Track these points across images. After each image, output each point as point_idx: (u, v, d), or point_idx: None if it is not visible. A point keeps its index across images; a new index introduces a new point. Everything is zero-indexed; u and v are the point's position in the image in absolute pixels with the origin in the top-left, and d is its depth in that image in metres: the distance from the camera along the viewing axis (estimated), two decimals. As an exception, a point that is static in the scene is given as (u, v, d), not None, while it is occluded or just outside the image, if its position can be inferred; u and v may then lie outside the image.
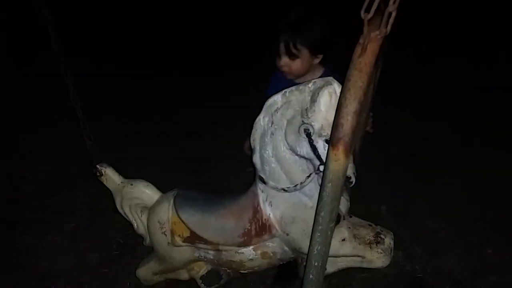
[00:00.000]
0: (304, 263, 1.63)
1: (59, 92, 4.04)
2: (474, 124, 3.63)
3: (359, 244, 1.50)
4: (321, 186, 1.14)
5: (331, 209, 1.12)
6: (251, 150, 1.52)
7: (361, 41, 1.12)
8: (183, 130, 3.72)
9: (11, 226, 2.65)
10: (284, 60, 1.76)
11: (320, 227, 1.14)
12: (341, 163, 1.08)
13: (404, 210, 2.64)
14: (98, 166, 1.79)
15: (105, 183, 1.81)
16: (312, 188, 1.43)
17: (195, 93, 4.26)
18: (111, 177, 1.79)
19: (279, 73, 1.89)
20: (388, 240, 1.53)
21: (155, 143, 3.56)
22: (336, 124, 1.07)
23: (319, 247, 1.16)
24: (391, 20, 1.05)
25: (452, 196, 2.83)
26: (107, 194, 2.80)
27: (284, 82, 1.78)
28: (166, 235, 1.66)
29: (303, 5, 1.77)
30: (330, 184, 1.10)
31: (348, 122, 1.06)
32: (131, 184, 1.77)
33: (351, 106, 1.06)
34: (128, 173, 1.93)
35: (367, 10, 1.12)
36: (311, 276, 1.20)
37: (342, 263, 1.65)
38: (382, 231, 1.55)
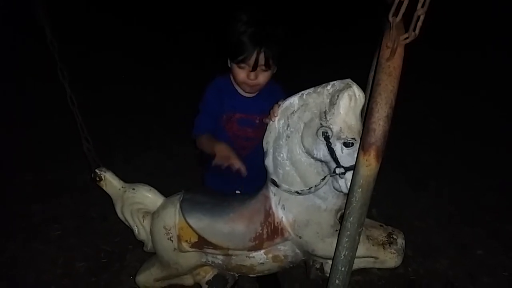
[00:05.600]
0: (316, 266, 1.62)
1: (42, 96, 3.90)
2: (467, 129, 3.75)
3: (373, 245, 1.50)
4: (350, 191, 1.12)
5: (359, 214, 1.11)
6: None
7: (389, 44, 1.12)
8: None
9: (-3, 234, 2.52)
10: (256, 73, 1.57)
11: (348, 233, 1.13)
12: (372, 168, 1.07)
13: (395, 212, 2.69)
14: (97, 170, 1.68)
15: (104, 188, 1.71)
16: (327, 190, 1.41)
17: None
18: (111, 181, 1.69)
19: (221, 83, 1.73)
20: (400, 240, 1.54)
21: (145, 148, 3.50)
22: (367, 129, 1.06)
23: (346, 252, 1.15)
24: (419, 24, 1.05)
25: (442, 200, 2.92)
26: (92, 202, 2.72)
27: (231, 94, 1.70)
28: (172, 240, 1.60)
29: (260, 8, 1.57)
30: (360, 189, 1.09)
31: (380, 127, 1.05)
32: (133, 189, 1.68)
33: (383, 111, 1.05)
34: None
35: (395, 14, 1.12)
36: (337, 282, 1.18)
37: (356, 264, 1.65)
38: (393, 231, 1.56)
